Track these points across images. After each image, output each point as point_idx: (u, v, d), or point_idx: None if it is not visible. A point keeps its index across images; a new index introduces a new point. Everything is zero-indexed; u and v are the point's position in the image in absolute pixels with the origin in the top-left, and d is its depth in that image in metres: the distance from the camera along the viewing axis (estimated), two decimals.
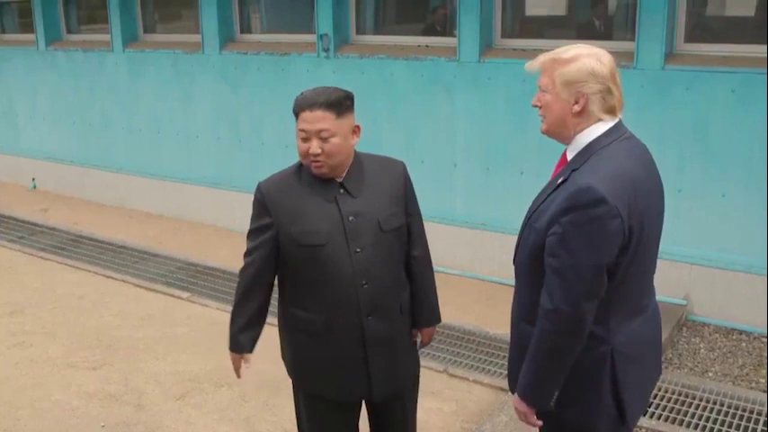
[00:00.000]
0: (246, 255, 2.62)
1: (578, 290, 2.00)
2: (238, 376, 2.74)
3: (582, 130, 2.13)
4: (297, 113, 2.46)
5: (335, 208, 2.50)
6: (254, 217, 2.59)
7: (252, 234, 2.60)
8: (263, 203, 2.54)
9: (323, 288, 2.52)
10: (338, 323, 2.54)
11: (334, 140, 2.42)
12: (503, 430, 3.58)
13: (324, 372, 2.61)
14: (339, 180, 2.52)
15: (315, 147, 2.41)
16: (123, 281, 5.79)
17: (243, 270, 2.62)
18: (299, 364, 2.68)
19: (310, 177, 2.52)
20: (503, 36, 5.53)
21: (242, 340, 2.65)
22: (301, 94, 2.48)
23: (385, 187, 2.59)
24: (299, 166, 2.57)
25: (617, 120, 2.16)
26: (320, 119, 2.40)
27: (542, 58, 2.16)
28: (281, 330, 2.74)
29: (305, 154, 2.46)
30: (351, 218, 2.49)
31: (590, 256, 1.99)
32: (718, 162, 4.68)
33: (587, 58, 2.09)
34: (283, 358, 2.80)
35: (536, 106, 2.19)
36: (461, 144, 5.65)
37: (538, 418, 2.21)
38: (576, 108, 2.10)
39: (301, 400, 2.77)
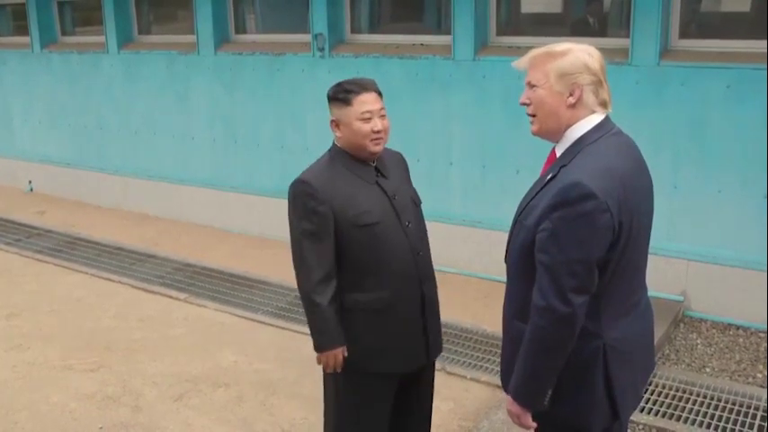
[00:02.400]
0: (314, 240, 2.58)
1: (569, 285, 2.00)
2: (339, 371, 2.67)
3: (573, 124, 2.13)
4: (351, 99, 2.59)
5: (379, 189, 2.68)
6: (309, 210, 2.59)
7: (312, 220, 2.58)
8: (314, 195, 2.59)
9: (384, 265, 2.64)
10: (403, 296, 2.68)
11: (387, 118, 2.67)
12: (500, 428, 3.59)
13: (390, 346, 2.69)
14: (373, 164, 2.69)
15: (379, 124, 2.60)
16: (120, 283, 5.78)
17: (319, 255, 2.58)
18: (363, 345, 2.68)
19: (347, 164, 2.67)
20: (498, 34, 5.53)
21: (340, 330, 2.64)
22: (342, 84, 2.62)
23: (401, 170, 2.85)
24: (330, 157, 2.71)
25: (605, 115, 2.17)
26: (376, 100, 2.63)
27: (533, 53, 2.18)
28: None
29: (368, 133, 2.59)
30: (395, 196, 2.70)
31: (580, 251, 1.99)
32: (714, 158, 4.68)
33: (579, 51, 2.13)
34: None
35: (524, 104, 2.20)
36: (457, 142, 5.65)
37: (531, 419, 2.19)
38: (571, 100, 2.11)
39: (346, 384, 2.75)
